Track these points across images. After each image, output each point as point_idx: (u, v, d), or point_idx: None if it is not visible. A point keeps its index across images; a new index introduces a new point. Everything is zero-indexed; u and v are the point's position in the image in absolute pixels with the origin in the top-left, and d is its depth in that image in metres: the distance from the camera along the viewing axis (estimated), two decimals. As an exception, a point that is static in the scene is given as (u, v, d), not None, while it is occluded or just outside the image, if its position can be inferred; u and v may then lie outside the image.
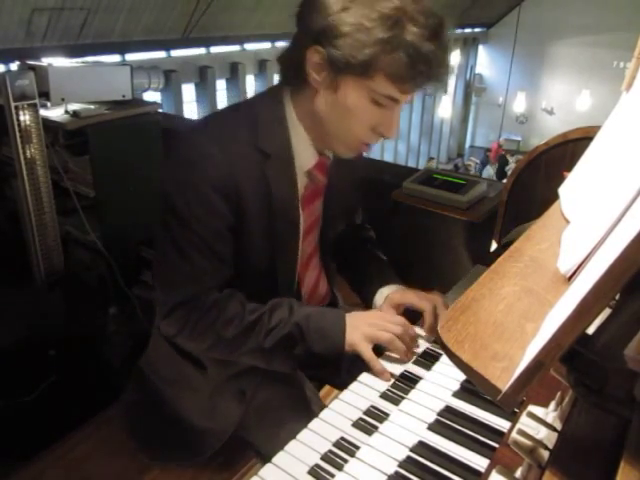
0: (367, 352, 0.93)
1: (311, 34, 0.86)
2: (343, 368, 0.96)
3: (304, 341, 0.94)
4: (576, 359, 0.48)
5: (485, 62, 14.22)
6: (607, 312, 0.48)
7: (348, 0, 0.82)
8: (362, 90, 0.87)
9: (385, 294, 1.12)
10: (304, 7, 0.88)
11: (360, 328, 0.95)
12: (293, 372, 1.01)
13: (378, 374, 0.92)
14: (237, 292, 0.99)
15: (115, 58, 5.85)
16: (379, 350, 0.97)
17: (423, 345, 1.02)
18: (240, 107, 1.01)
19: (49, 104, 2.01)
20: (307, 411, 1.01)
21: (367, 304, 1.16)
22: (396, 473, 0.73)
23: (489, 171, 11.76)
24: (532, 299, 0.61)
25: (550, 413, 0.64)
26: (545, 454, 0.56)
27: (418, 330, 1.05)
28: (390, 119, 0.91)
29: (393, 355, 0.97)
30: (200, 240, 0.92)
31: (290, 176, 0.97)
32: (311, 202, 1.05)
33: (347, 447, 0.78)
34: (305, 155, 0.99)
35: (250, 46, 8.35)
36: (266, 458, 0.76)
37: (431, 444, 0.77)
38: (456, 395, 0.87)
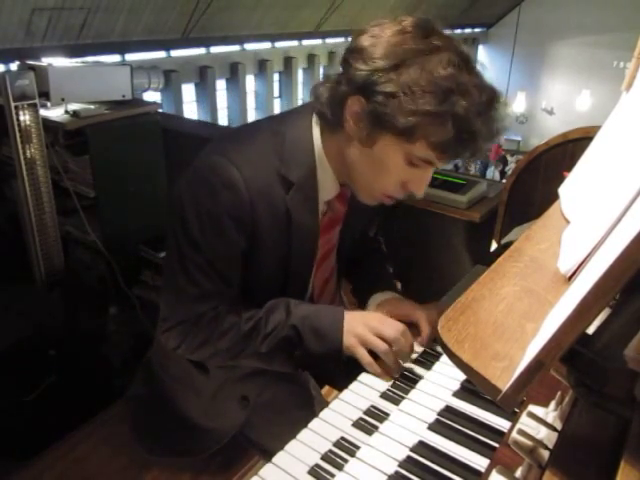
0: (365, 357, 0.92)
1: (356, 82, 0.81)
2: (343, 367, 0.95)
3: (302, 343, 0.93)
4: (576, 359, 0.48)
5: (485, 62, 14.22)
6: (607, 312, 0.48)
7: (400, 57, 0.78)
8: (399, 150, 0.83)
9: (378, 300, 1.10)
10: (352, 53, 0.83)
11: (356, 330, 0.93)
12: (295, 372, 1.00)
13: (379, 376, 0.92)
14: (234, 306, 0.98)
15: (115, 58, 5.85)
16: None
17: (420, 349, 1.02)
18: (268, 128, 0.96)
19: (49, 104, 2.01)
20: (311, 409, 1.01)
21: (362, 307, 1.16)
22: (396, 473, 0.73)
23: (494, 172, 11.73)
24: (532, 299, 0.61)
25: (550, 413, 0.64)
26: (545, 454, 0.56)
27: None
28: (422, 179, 0.89)
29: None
30: (208, 265, 0.91)
31: (312, 205, 0.95)
32: (328, 230, 1.04)
33: (347, 447, 0.78)
34: (327, 186, 0.96)
35: (250, 46, 8.35)
36: (271, 456, 0.76)
37: (431, 444, 0.77)
38: (456, 395, 0.87)
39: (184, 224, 0.90)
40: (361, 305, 1.15)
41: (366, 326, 0.93)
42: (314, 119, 0.93)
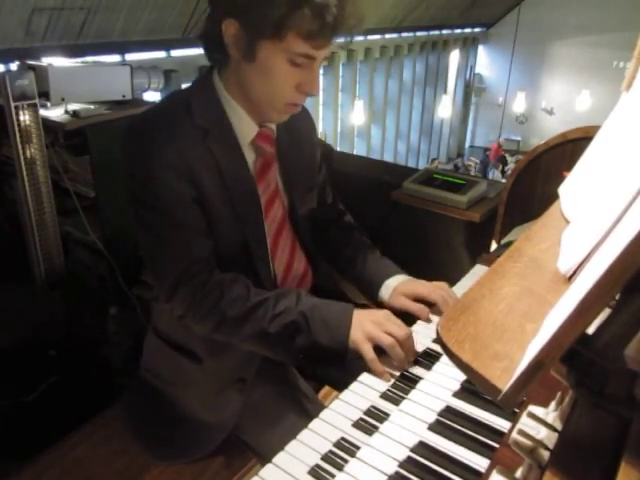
0: (369, 353, 0.93)
1: (222, 8, 0.91)
2: (344, 363, 0.96)
3: (309, 331, 0.95)
4: (576, 359, 0.48)
5: (485, 62, 14.20)
6: (607, 312, 0.48)
7: None
8: (278, 53, 0.90)
9: (392, 286, 1.13)
10: None
11: (364, 325, 0.95)
12: (296, 363, 1.01)
13: (378, 375, 0.93)
14: (241, 276, 1.01)
15: (115, 58, 5.84)
16: (380, 349, 0.97)
17: (424, 345, 1.02)
18: (174, 95, 1.05)
19: (49, 104, 2.00)
20: (301, 409, 1.01)
21: (373, 300, 1.17)
22: (396, 473, 0.73)
23: (495, 173, 11.72)
24: (532, 299, 0.61)
25: (550, 413, 0.64)
26: (545, 454, 0.56)
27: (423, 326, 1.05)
28: (310, 76, 0.94)
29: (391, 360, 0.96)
30: (171, 220, 0.95)
31: (234, 147, 1.01)
32: (263, 175, 1.07)
33: (347, 447, 0.78)
34: (244, 128, 1.02)
35: (250, 46, 8.36)
36: (262, 457, 0.76)
37: (431, 444, 0.77)
38: (456, 395, 0.87)
39: (134, 194, 0.96)
40: (371, 299, 1.17)
41: (374, 323, 0.95)
42: (213, 73, 1.01)
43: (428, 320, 1.08)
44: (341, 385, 0.94)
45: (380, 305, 1.15)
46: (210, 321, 0.98)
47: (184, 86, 1.11)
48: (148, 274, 1.04)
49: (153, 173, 0.93)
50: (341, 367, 0.97)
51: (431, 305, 1.10)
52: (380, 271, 1.17)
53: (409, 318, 1.07)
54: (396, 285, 1.13)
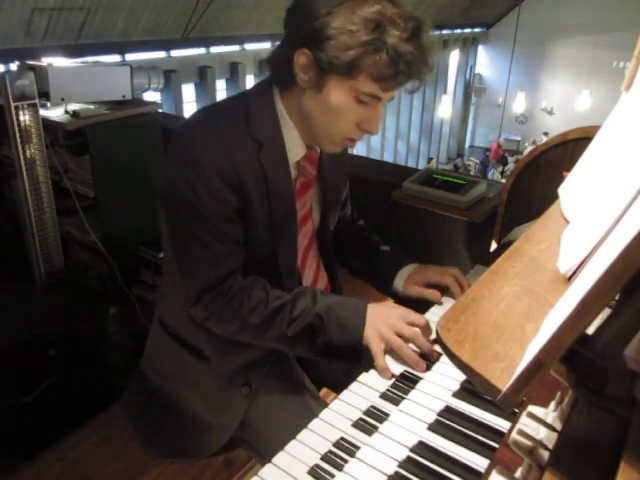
0: (376, 346, 0.95)
1: (298, 37, 0.91)
2: (360, 360, 0.98)
3: (325, 332, 0.98)
4: (576, 359, 0.48)
5: (485, 62, 14.22)
6: (607, 312, 0.48)
7: (333, 5, 0.87)
8: (346, 89, 0.91)
9: (405, 276, 1.17)
10: (292, 12, 0.94)
11: (377, 325, 0.97)
12: (314, 359, 1.03)
13: (379, 370, 0.93)
14: (260, 278, 1.02)
15: (115, 58, 5.84)
16: None
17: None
18: (232, 100, 1.05)
19: (49, 104, 2.00)
20: (308, 410, 1.01)
21: (388, 294, 1.20)
22: (396, 473, 0.73)
23: (495, 173, 11.71)
24: (532, 299, 0.61)
25: (550, 413, 0.64)
26: (545, 454, 0.56)
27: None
28: (373, 116, 0.96)
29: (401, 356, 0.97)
30: (213, 226, 0.96)
31: (283, 163, 1.02)
32: (302, 194, 1.09)
33: (347, 447, 0.78)
34: (294, 147, 1.03)
35: (250, 46, 8.34)
36: (264, 457, 0.77)
37: (431, 444, 0.77)
38: (456, 395, 0.87)
39: (180, 196, 0.96)
40: (387, 293, 1.21)
41: (387, 324, 0.97)
42: (274, 88, 1.01)
43: (441, 303, 1.14)
44: (338, 388, 0.95)
45: (395, 297, 1.19)
46: (232, 326, 1.00)
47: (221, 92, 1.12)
48: (177, 273, 1.04)
49: (203, 176, 0.93)
50: (355, 363, 0.98)
51: (444, 289, 1.15)
52: (391, 263, 1.22)
53: (424, 304, 1.13)
54: (408, 274, 1.18)
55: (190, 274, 1.00)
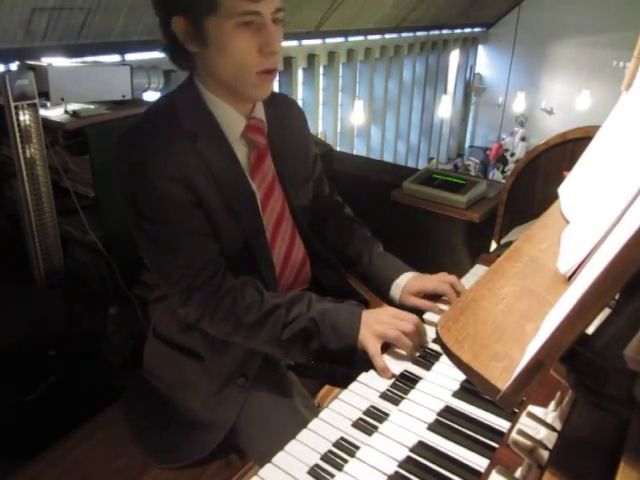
0: (373, 347, 0.95)
1: (165, 11, 0.94)
2: (355, 364, 0.98)
3: (319, 337, 0.97)
4: (576, 359, 0.48)
5: (485, 62, 14.20)
6: (607, 312, 0.48)
7: None
8: (223, 23, 0.91)
9: (401, 285, 1.16)
10: (153, 2, 0.96)
11: (372, 326, 0.97)
12: (309, 363, 1.03)
13: (380, 371, 0.93)
14: (251, 278, 1.02)
15: (115, 58, 5.84)
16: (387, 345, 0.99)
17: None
18: (158, 103, 1.06)
19: (49, 104, 2.00)
20: (298, 419, 1.01)
21: (383, 298, 1.20)
22: (396, 473, 0.73)
23: (496, 173, 11.70)
24: (532, 299, 0.61)
25: (550, 413, 0.64)
26: (545, 454, 0.56)
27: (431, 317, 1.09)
28: (266, 35, 0.93)
29: (399, 352, 0.98)
30: (174, 227, 0.97)
31: (223, 147, 1.02)
32: (259, 166, 1.08)
33: (347, 447, 0.78)
34: (232, 122, 1.03)
35: (250, 46, 8.35)
36: (256, 462, 0.77)
37: (431, 444, 0.77)
38: (456, 395, 0.87)
39: (135, 207, 0.98)
40: (381, 298, 1.20)
41: (381, 323, 0.97)
42: (193, 76, 1.02)
43: (440, 312, 1.12)
44: (344, 381, 0.95)
45: (391, 303, 1.19)
46: (225, 325, 1.00)
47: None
48: (157, 279, 1.06)
49: (150, 184, 0.94)
50: (350, 368, 0.98)
51: (441, 297, 1.15)
52: (387, 271, 1.20)
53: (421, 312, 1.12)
54: (404, 285, 1.16)
55: (169, 277, 1.00)
